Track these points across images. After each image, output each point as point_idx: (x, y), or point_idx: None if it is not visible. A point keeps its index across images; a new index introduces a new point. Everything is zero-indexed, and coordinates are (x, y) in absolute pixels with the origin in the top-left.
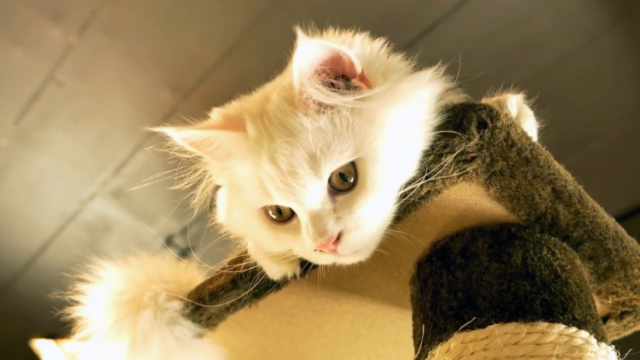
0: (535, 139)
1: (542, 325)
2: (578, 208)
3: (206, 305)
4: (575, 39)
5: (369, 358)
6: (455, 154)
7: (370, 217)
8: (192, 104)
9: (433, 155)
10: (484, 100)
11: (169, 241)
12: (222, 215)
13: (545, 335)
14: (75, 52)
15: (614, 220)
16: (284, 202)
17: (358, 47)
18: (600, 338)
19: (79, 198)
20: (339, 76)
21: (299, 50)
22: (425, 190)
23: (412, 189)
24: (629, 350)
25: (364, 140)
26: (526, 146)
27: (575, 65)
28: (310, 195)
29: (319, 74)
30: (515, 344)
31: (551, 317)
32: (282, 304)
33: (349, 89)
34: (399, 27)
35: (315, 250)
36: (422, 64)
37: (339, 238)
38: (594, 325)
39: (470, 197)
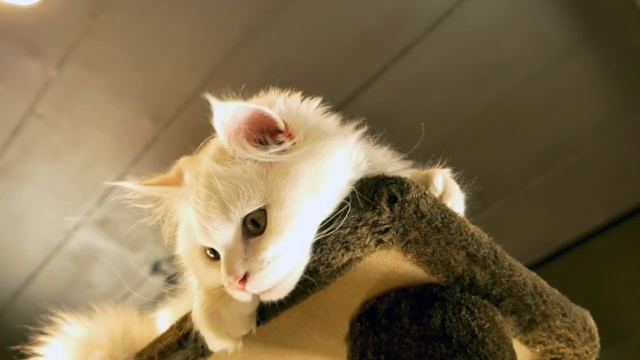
0: (462, 211)
1: None
2: (494, 269)
3: None
4: (546, 55)
5: None
6: (370, 225)
7: (276, 260)
8: (173, 133)
9: (349, 228)
10: (414, 173)
11: (155, 268)
12: (179, 247)
13: None
14: (54, 85)
15: (534, 274)
16: (204, 242)
17: (282, 106)
18: None
19: (64, 228)
20: (265, 131)
21: (216, 114)
22: (346, 258)
23: (334, 258)
24: None
25: (274, 189)
26: (436, 216)
27: (548, 82)
28: (222, 237)
29: (242, 131)
30: None
31: None
32: None
33: (276, 143)
34: (372, 51)
35: (227, 287)
36: (401, 87)
37: (246, 278)
38: None
39: (392, 262)
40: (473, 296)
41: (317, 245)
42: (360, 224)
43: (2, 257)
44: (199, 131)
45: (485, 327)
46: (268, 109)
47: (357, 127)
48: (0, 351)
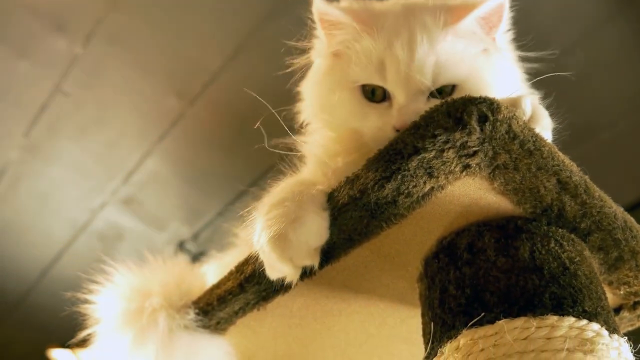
0: (550, 139)
1: (552, 319)
2: (585, 198)
3: (215, 310)
4: (580, 27)
5: (380, 358)
6: (457, 148)
7: None
8: (198, 110)
9: (434, 151)
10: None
11: (180, 247)
12: (307, 85)
13: (556, 329)
14: (80, 62)
15: (622, 209)
16: (393, 86)
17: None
18: (612, 330)
19: (90, 207)
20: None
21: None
22: (428, 186)
23: (415, 186)
24: None
25: (476, 76)
26: (529, 138)
27: (582, 55)
28: (413, 85)
29: (482, 18)
30: (525, 338)
31: (561, 310)
32: (291, 307)
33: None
34: None
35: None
36: None
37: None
38: (605, 317)
39: (475, 192)
40: (560, 229)
41: (397, 172)
42: (448, 146)
43: (30, 236)
44: (225, 107)
45: (575, 260)
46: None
47: None
48: (30, 329)
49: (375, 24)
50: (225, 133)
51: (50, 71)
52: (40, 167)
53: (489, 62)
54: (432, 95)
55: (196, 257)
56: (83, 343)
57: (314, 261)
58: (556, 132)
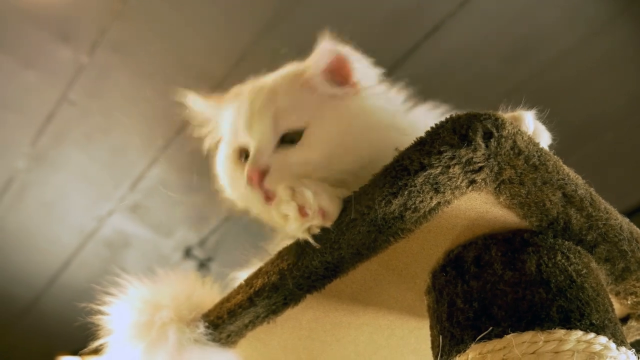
0: None
1: (560, 332)
2: (590, 211)
3: (225, 323)
4: (581, 29)
5: None
6: (463, 164)
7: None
8: None
9: (440, 167)
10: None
11: (187, 253)
12: (218, 162)
13: (563, 342)
14: (86, 71)
15: (627, 220)
16: (243, 137)
17: (361, 63)
18: (620, 342)
19: (97, 215)
20: (337, 76)
21: (322, 47)
22: (435, 201)
23: (422, 201)
24: None
25: (320, 117)
26: (533, 153)
27: (583, 56)
28: (260, 135)
29: (328, 72)
30: (533, 353)
31: (568, 323)
32: (300, 319)
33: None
34: (403, 29)
35: (247, 183)
36: (433, 64)
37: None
38: (613, 329)
39: (481, 206)
40: (567, 242)
41: (403, 188)
42: (453, 162)
43: (38, 244)
44: None
45: (582, 272)
46: (354, 59)
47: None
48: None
49: (231, 100)
50: None
51: (56, 80)
52: (47, 175)
53: (340, 106)
54: (283, 141)
55: (203, 263)
56: (93, 351)
57: (336, 208)
58: (558, 131)
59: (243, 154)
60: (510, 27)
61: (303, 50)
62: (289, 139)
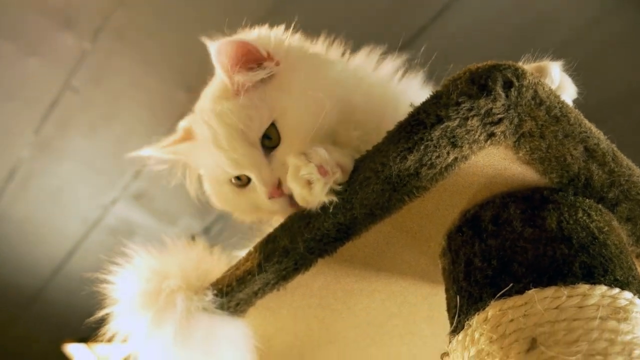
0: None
1: (583, 287)
2: (612, 167)
3: (234, 291)
4: (591, 11)
5: (401, 336)
6: (482, 116)
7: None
8: None
9: (458, 119)
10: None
11: (192, 241)
12: (210, 195)
13: (587, 297)
14: (89, 58)
15: None
16: (236, 172)
17: (262, 37)
18: None
19: (101, 203)
20: (253, 61)
21: (213, 52)
22: (452, 157)
23: (439, 157)
24: None
25: (276, 104)
26: (555, 104)
27: (592, 39)
28: (249, 160)
29: (238, 65)
30: (556, 308)
31: (592, 279)
32: (311, 286)
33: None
34: (410, 12)
35: (269, 199)
36: (436, 47)
37: (280, 185)
38: (638, 286)
39: (499, 162)
40: (587, 199)
41: (419, 142)
42: (472, 113)
43: (43, 232)
44: None
45: (604, 229)
46: (249, 37)
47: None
48: (45, 324)
49: (187, 141)
50: None
51: (59, 68)
52: (51, 164)
53: (281, 81)
54: (266, 146)
55: None
56: (99, 337)
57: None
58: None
59: (236, 179)
60: (519, 8)
61: (309, 33)
62: (267, 138)
